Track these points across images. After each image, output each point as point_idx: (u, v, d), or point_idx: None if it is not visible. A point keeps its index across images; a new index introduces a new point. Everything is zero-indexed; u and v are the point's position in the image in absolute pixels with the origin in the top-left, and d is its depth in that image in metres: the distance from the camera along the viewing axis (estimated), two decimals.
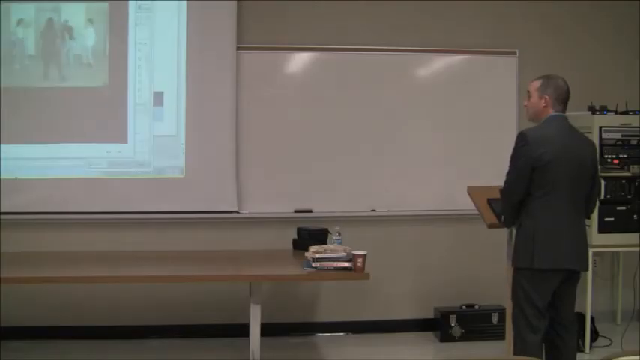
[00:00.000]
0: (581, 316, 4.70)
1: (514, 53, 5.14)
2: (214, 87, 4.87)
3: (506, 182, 3.54)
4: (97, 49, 4.79)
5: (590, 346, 4.67)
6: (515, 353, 3.51)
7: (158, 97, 4.86)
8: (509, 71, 5.14)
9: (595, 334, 4.77)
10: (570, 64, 5.21)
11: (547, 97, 3.49)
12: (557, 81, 3.53)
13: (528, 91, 3.59)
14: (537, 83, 3.55)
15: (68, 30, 4.77)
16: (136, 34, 4.80)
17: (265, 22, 4.98)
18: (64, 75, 4.78)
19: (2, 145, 4.68)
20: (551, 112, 3.50)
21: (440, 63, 5.10)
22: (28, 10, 4.74)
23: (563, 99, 3.51)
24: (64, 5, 4.76)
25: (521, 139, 3.44)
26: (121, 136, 4.82)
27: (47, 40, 4.77)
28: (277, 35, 4.98)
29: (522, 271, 3.45)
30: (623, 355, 2.14)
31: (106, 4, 4.78)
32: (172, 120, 4.87)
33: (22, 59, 4.74)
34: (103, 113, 4.80)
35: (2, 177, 4.67)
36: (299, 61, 5.05)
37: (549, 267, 3.41)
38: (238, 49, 4.89)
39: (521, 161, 3.42)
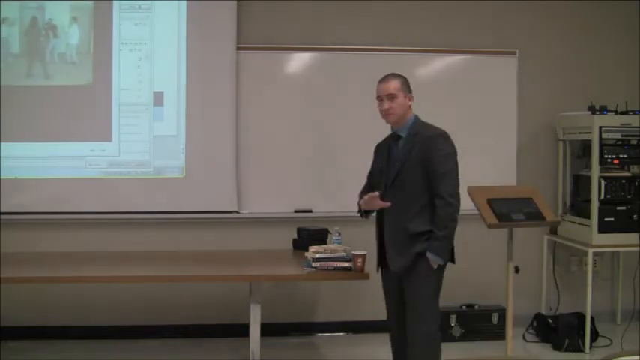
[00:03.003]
0: (581, 316, 4.71)
1: (514, 53, 5.15)
2: (214, 87, 4.87)
3: (455, 192, 3.42)
4: (82, 47, 4.80)
5: (590, 346, 4.67)
6: (434, 349, 3.41)
7: (158, 97, 4.86)
8: (509, 71, 5.14)
9: (595, 334, 4.77)
10: (570, 64, 5.23)
11: (411, 95, 3.47)
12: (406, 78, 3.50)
13: (391, 94, 3.42)
14: (398, 83, 3.44)
15: (52, 28, 4.78)
16: (120, 32, 4.80)
17: (265, 22, 4.98)
18: (48, 73, 4.78)
19: None
20: (411, 112, 3.49)
21: (440, 63, 5.10)
22: (11, 9, 4.74)
23: None
24: (48, 4, 4.77)
25: (449, 140, 3.43)
26: (105, 135, 4.82)
27: (31, 39, 4.77)
28: (277, 35, 4.98)
29: (443, 268, 3.43)
30: (623, 355, 2.14)
31: (90, 3, 4.78)
32: (172, 120, 4.87)
33: (5, 58, 4.74)
34: (86, 111, 4.79)
35: None
36: (299, 61, 5.05)
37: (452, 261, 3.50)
38: (238, 49, 4.89)
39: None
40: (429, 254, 3.35)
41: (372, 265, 3.65)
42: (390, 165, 3.49)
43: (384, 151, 3.59)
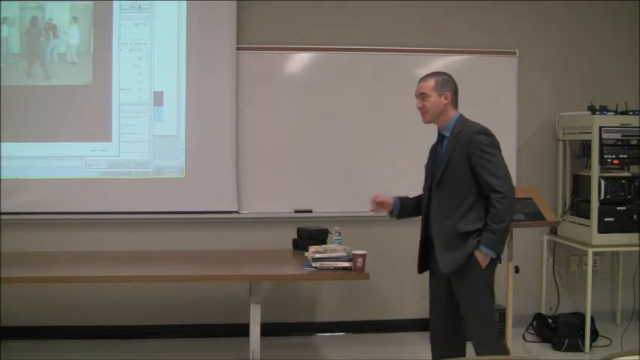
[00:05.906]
0: (581, 316, 4.71)
1: (514, 53, 5.15)
2: (214, 87, 4.87)
3: (508, 180, 3.30)
4: (82, 47, 4.80)
5: (590, 346, 4.67)
6: (495, 340, 3.43)
7: (158, 97, 4.86)
8: (509, 71, 5.14)
9: (595, 334, 4.77)
10: (570, 64, 5.23)
11: (448, 93, 3.41)
12: (449, 76, 3.47)
13: (423, 93, 3.41)
14: (432, 82, 3.42)
15: (52, 28, 4.78)
16: (120, 32, 4.80)
17: (265, 22, 4.98)
18: (48, 73, 4.78)
19: None
20: (454, 111, 3.44)
21: (440, 63, 5.09)
22: (12, 9, 4.74)
23: (457, 92, 3.49)
24: (48, 4, 4.77)
25: (492, 136, 3.34)
26: (105, 135, 4.81)
27: (31, 39, 4.77)
28: (277, 35, 4.98)
29: (493, 266, 3.38)
30: (623, 355, 2.14)
31: (90, 3, 4.78)
32: (172, 120, 4.87)
33: (5, 58, 4.74)
34: (87, 111, 4.79)
35: None
36: (299, 61, 5.05)
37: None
38: (238, 49, 4.89)
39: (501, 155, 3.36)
40: (482, 248, 3.25)
41: (412, 266, 3.51)
42: (435, 166, 3.43)
43: (433, 152, 3.53)
